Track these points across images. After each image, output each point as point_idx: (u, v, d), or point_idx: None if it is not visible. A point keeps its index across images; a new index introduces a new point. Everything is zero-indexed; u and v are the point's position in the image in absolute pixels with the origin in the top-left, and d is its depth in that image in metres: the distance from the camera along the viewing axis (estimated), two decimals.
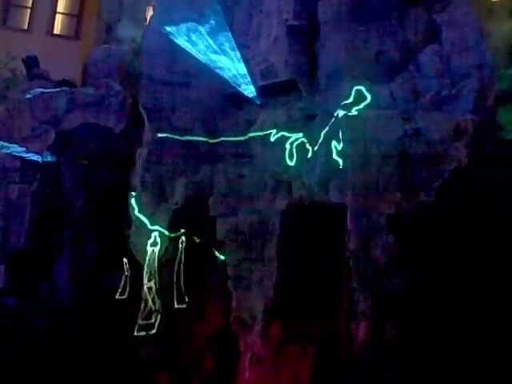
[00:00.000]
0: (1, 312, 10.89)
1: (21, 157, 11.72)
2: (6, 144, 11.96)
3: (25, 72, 13.93)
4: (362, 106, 9.75)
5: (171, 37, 11.65)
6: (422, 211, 8.86)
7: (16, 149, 11.91)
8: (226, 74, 11.26)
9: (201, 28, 11.74)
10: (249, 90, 11.12)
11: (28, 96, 12.59)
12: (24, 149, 11.91)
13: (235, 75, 11.23)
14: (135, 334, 10.07)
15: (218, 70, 11.30)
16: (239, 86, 11.16)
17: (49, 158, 11.87)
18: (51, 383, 10.23)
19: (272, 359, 8.96)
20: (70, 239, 11.47)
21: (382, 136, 9.24)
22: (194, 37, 11.66)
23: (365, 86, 9.89)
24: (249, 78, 11.15)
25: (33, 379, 10.23)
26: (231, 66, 11.30)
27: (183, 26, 11.71)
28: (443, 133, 9.20)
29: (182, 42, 11.64)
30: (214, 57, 11.43)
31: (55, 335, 10.65)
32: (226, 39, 11.43)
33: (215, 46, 11.52)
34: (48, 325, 10.74)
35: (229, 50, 11.44)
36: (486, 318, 8.90)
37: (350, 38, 10.48)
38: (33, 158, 11.77)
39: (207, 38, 11.59)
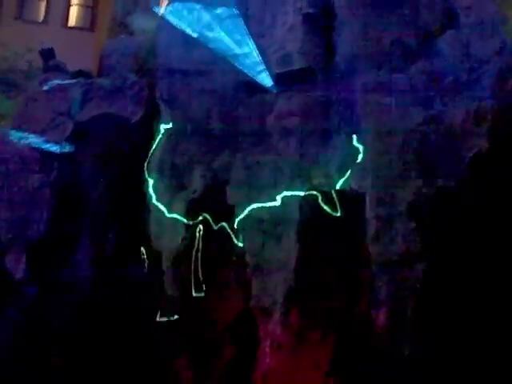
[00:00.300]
0: (22, 301, 10.99)
1: (39, 147, 11.80)
2: (24, 135, 12.04)
3: (41, 64, 13.98)
4: (380, 92, 9.70)
5: (186, 27, 11.65)
6: (443, 197, 8.83)
7: (34, 139, 11.98)
8: (242, 63, 11.24)
9: (215, 17, 11.73)
10: (265, 79, 11.10)
11: (45, 87, 12.65)
12: (42, 139, 11.98)
13: (251, 63, 11.21)
14: (156, 320, 10.12)
15: (233, 59, 11.28)
16: (255, 75, 11.14)
17: (67, 149, 11.94)
18: (73, 371, 10.32)
19: (292, 346, 8.97)
20: (89, 227, 11.53)
21: (401, 123, 9.21)
22: (208, 26, 11.65)
23: (382, 73, 9.85)
24: (265, 66, 11.13)
25: (55, 367, 10.32)
26: (247, 55, 11.28)
27: (198, 16, 11.71)
28: (463, 119, 9.15)
29: (196, 31, 11.64)
30: (229, 46, 11.41)
31: (76, 323, 10.72)
32: (241, 28, 11.40)
33: (230, 35, 11.50)
34: (69, 312, 10.81)
35: (244, 39, 11.42)
36: (508, 305, 8.85)
37: (365, 25, 10.42)
38: (51, 149, 11.85)
39: (222, 27, 11.57)
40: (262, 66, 11.14)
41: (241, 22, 11.48)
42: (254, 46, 11.28)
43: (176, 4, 12.15)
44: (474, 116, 9.08)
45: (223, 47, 11.43)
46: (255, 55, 11.23)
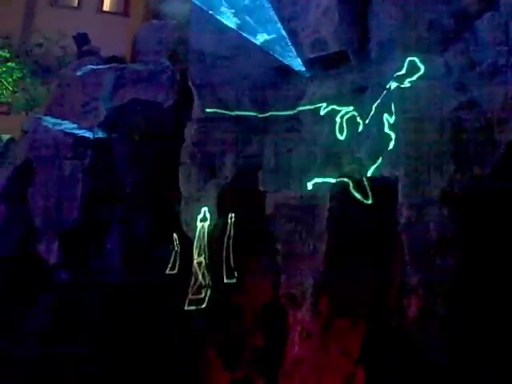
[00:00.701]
0: (55, 286, 11.13)
1: (73, 133, 11.90)
2: (58, 121, 12.15)
3: (75, 49, 14.08)
4: (415, 77, 9.48)
5: (217, 11, 11.55)
6: (478, 184, 8.60)
7: (68, 125, 12.09)
8: (272, 48, 11.10)
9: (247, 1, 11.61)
10: (298, 63, 10.95)
11: (79, 73, 12.75)
12: (76, 125, 12.07)
13: (281, 49, 11.07)
14: (185, 308, 10.14)
15: (265, 43, 11.16)
16: (288, 59, 10.99)
17: (100, 134, 12.01)
18: (102, 358, 10.42)
19: (322, 334, 8.86)
20: (121, 214, 11.60)
21: (435, 108, 8.97)
22: (240, 11, 11.53)
23: (418, 57, 9.61)
24: (298, 51, 10.97)
25: (85, 353, 10.42)
26: (275, 40, 11.14)
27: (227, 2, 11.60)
28: (500, 104, 8.86)
29: (228, 16, 11.53)
30: (260, 30, 11.28)
31: (107, 309, 10.81)
32: (268, 12, 11.25)
33: (257, 21, 11.36)
34: (100, 299, 10.91)
35: (272, 24, 11.27)
36: None
37: (401, 7, 10.16)
38: (85, 135, 11.92)
39: (248, 13, 11.43)
40: (293, 52, 10.99)
41: (268, 6, 11.31)
42: (283, 31, 11.13)
43: None
44: (511, 101, 8.78)
45: (254, 31, 11.32)
46: (284, 40, 11.08)
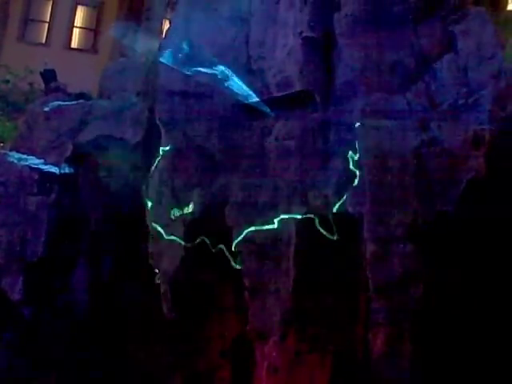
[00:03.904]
0: (18, 323, 10.93)
1: (39, 168, 11.82)
2: (23, 156, 12.07)
3: (42, 85, 14.08)
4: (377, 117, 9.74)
5: (186, 48, 11.73)
6: (440, 221, 8.81)
7: (34, 161, 12.01)
8: (240, 86, 11.30)
9: (215, 39, 11.80)
10: (264, 102, 11.14)
11: (46, 109, 12.73)
12: (42, 161, 12.01)
13: (250, 86, 11.26)
14: (152, 343, 10.06)
15: (231, 82, 11.35)
16: (254, 98, 11.18)
17: (66, 170, 11.96)
18: None
19: (289, 369, 8.89)
20: (87, 251, 11.51)
21: (398, 146, 9.22)
22: (208, 47, 11.71)
23: (381, 96, 9.89)
24: (264, 90, 11.18)
25: None
26: (245, 78, 11.34)
27: (198, 37, 11.78)
28: (460, 142, 9.15)
29: (196, 53, 11.71)
30: (227, 68, 11.48)
31: (71, 347, 10.65)
32: (241, 50, 11.48)
33: (229, 57, 11.56)
34: (65, 336, 10.75)
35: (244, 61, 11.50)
36: (507, 328, 8.79)
37: (365, 48, 10.47)
38: (50, 170, 11.86)
39: (221, 48, 11.62)
40: (261, 89, 11.19)
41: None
42: (254, 69, 11.35)
43: (178, 27, 12.28)
44: (471, 140, 9.07)
45: (221, 69, 11.51)
46: (254, 78, 11.29)
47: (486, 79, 9.69)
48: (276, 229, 9.70)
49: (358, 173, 9.37)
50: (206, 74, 11.42)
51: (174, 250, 10.65)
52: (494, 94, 9.51)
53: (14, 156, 12.07)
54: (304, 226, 9.23)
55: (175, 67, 11.64)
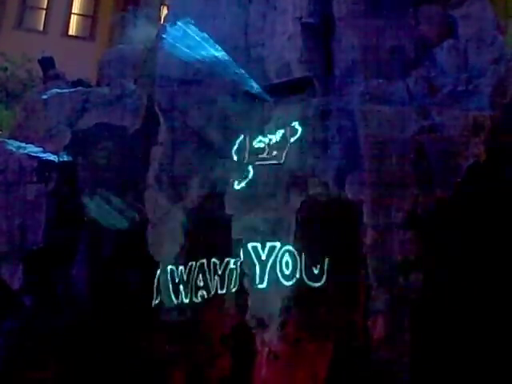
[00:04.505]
0: (18, 311, 10.94)
1: (37, 157, 11.75)
2: (22, 144, 12.02)
3: (41, 73, 14.01)
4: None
5: (185, 35, 11.67)
6: (440, 207, 8.80)
7: (32, 149, 11.95)
8: (240, 72, 11.25)
9: (214, 26, 11.75)
10: (263, 88, 11.09)
11: (44, 96, 12.66)
12: (40, 149, 11.96)
13: (249, 73, 11.21)
14: (152, 331, 10.09)
15: (231, 68, 11.30)
16: (253, 84, 11.14)
17: (65, 158, 11.91)
18: (66, 383, 10.27)
19: (289, 356, 8.92)
20: (86, 238, 11.48)
21: (398, 132, 9.20)
22: (207, 34, 11.66)
23: (380, 82, 9.85)
24: (264, 76, 11.13)
25: (49, 379, 10.26)
26: (245, 65, 11.29)
27: (197, 24, 11.73)
28: (460, 128, 9.14)
29: (195, 40, 11.66)
30: (227, 55, 11.42)
31: (72, 335, 10.66)
32: (241, 37, 11.42)
33: (229, 44, 11.50)
34: (65, 325, 10.75)
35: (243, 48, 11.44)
36: (506, 315, 8.80)
37: (364, 34, 10.45)
38: (49, 158, 11.81)
39: (221, 35, 11.57)
40: (261, 76, 11.15)
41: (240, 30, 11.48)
42: (254, 55, 11.30)
43: (176, 12, 12.22)
44: (471, 126, 9.06)
45: (221, 56, 11.46)
46: (254, 65, 11.25)
47: (486, 65, 9.65)
48: (276, 216, 9.67)
49: (357, 160, 9.33)
50: (205, 59, 11.37)
51: (173, 238, 10.65)
52: (494, 80, 9.47)
53: (13, 144, 12.01)
54: (304, 214, 9.22)
55: (174, 54, 11.59)
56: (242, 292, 9.65)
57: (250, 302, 9.51)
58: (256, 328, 9.34)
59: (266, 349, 9.12)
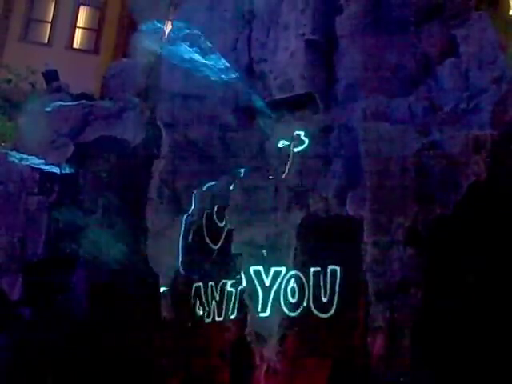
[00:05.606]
0: (17, 323, 10.93)
1: (40, 168, 11.85)
2: (25, 156, 12.09)
3: (44, 85, 14.08)
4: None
5: (187, 50, 11.75)
6: (440, 225, 8.81)
7: (35, 161, 12.04)
8: (242, 87, 11.31)
9: (218, 41, 11.82)
10: (265, 104, 11.15)
11: (47, 109, 12.74)
12: (43, 161, 12.03)
13: (251, 88, 11.27)
14: (151, 344, 10.07)
15: (233, 84, 11.35)
16: (255, 100, 11.19)
17: (67, 170, 11.98)
18: None
19: (288, 372, 8.90)
20: (86, 250, 11.50)
21: (399, 149, 9.23)
22: (210, 49, 11.74)
23: (382, 100, 9.90)
24: (266, 92, 11.18)
25: None
26: (247, 80, 11.35)
27: (200, 40, 11.81)
28: (461, 147, 9.16)
29: (198, 55, 11.74)
30: (229, 70, 11.49)
31: (71, 347, 10.65)
32: (244, 52, 11.49)
33: (231, 60, 11.58)
34: (64, 336, 10.74)
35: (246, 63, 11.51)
36: (506, 332, 8.78)
37: (367, 51, 10.49)
38: (51, 170, 11.88)
39: (224, 50, 11.65)
40: (263, 91, 11.20)
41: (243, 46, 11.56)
42: (256, 71, 11.36)
43: (180, 27, 12.30)
44: (472, 144, 9.08)
45: (223, 72, 11.52)
46: (256, 80, 11.30)
47: (487, 83, 9.69)
48: (276, 231, 9.68)
49: (358, 176, 9.36)
50: (208, 74, 11.43)
51: (173, 251, 10.67)
52: (495, 99, 9.51)
53: (16, 156, 12.09)
54: (304, 229, 9.23)
55: (176, 69, 11.67)
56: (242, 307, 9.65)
57: (248, 318, 9.50)
58: (255, 343, 9.33)
59: (265, 364, 9.11)
